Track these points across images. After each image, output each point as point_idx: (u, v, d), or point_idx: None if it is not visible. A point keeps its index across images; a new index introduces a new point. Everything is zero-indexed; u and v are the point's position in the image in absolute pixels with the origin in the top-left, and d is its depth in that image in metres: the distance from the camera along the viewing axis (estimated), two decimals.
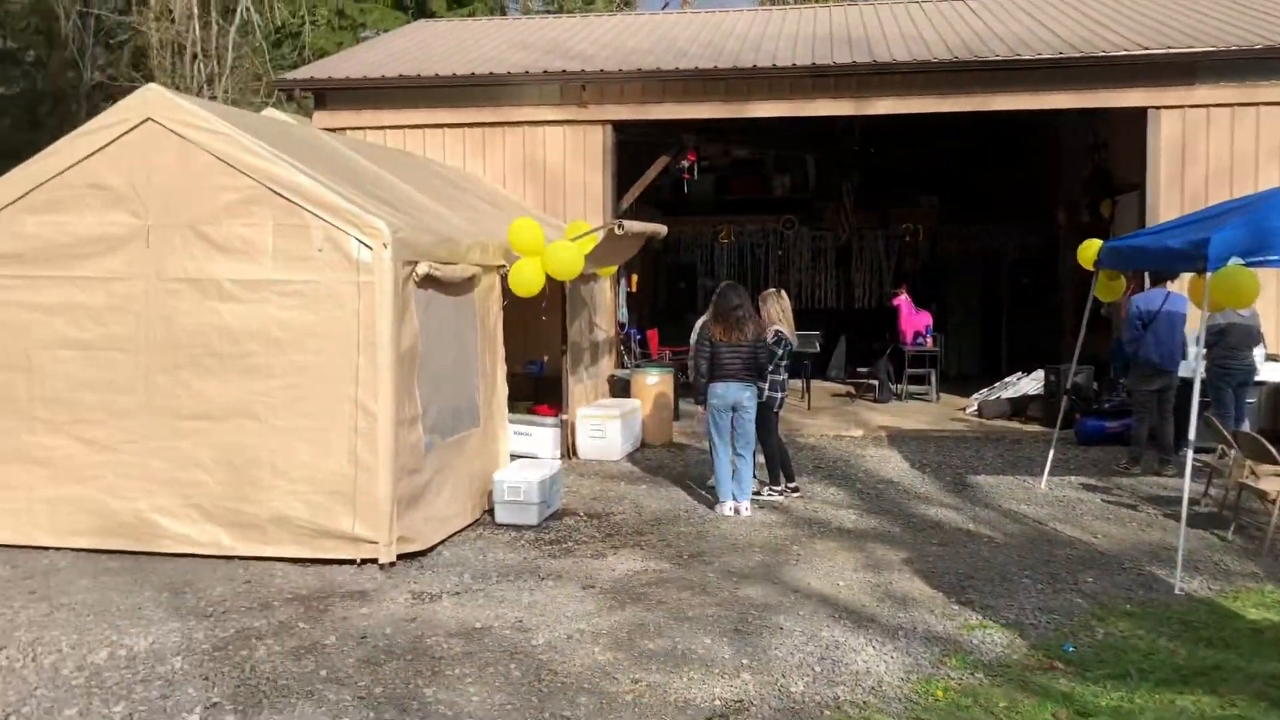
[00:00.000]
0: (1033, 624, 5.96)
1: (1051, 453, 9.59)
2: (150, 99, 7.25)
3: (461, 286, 8.08)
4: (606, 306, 12.67)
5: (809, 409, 13.97)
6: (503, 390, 8.88)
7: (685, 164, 13.53)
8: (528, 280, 8.60)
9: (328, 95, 13.40)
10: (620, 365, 13.28)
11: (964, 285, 18.85)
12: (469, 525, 8.09)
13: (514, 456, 9.82)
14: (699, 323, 8.92)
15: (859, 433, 12.51)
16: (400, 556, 7.03)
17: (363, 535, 6.93)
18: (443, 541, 7.55)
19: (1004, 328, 18.48)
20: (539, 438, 10.73)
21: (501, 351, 8.86)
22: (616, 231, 8.63)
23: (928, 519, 8.41)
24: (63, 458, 7.27)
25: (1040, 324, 17.47)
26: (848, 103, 12.65)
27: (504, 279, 8.84)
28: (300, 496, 6.99)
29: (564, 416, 10.82)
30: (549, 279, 8.87)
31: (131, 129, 7.19)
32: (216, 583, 6.62)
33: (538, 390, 12.02)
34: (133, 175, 7.17)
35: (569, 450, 10.83)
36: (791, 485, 9.09)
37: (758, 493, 8.93)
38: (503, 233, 9.03)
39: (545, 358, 11.85)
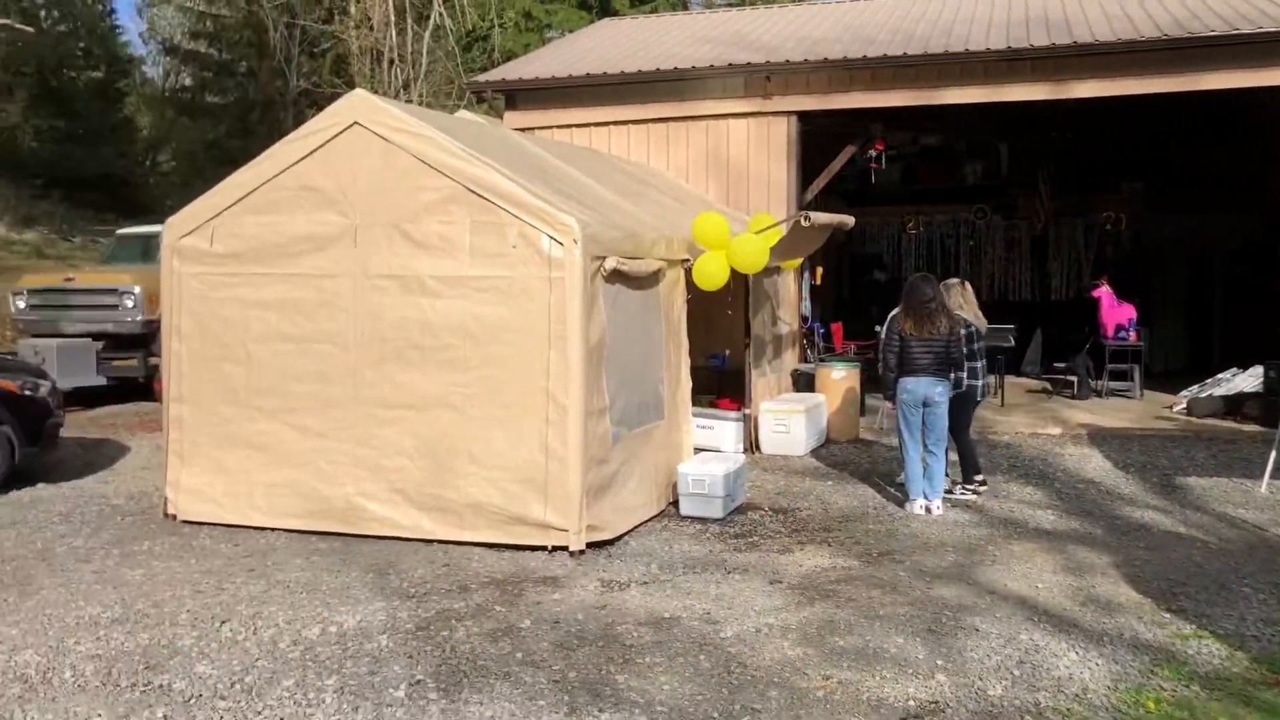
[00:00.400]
0: (1255, 636, 5.57)
1: (1274, 454, 8.94)
2: (356, 104, 7.63)
3: (647, 280, 8.16)
4: (790, 299, 12.57)
5: (1002, 405, 13.48)
6: (687, 383, 8.93)
7: (873, 153, 13.27)
8: (712, 274, 8.62)
9: (517, 95, 13.79)
10: (803, 359, 13.15)
11: (1170, 275, 17.78)
12: (654, 516, 8.18)
13: (696, 450, 9.88)
14: (890, 315, 8.73)
15: (1056, 430, 11.99)
16: (589, 545, 7.17)
17: (554, 523, 7.10)
18: (629, 531, 7.66)
19: (1216, 321, 17.34)
20: (721, 432, 10.74)
21: (686, 345, 8.91)
22: (803, 223, 8.53)
23: (1133, 521, 7.98)
24: (277, 444, 7.74)
25: (1259, 316, 16.31)
26: (1045, 87, 12.12)
27: (688, 273, 8.89)
28: (495, 484, 7.22)
29: (747, 411, 10.79)
30: (733, 272, 8.86)
31: (339, 133, 7.57)
32: (418, 565, 6.91)
33: (720, 384, 12.03)
34: (340, 177, 7.56)
35: (752, 445, 10.80)
36: (979, 478, 8.79)
37: (949, 491, 8.68)
38: (686, 227, 9.08)
39: (727, 351, 11.84)
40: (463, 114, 10.20)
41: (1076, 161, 17.54)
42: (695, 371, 12.21)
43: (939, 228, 19.04)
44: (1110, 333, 14.57)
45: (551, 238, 7.07)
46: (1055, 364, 15.41)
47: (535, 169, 8.38)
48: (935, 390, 8.29)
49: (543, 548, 7.17)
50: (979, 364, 8.78)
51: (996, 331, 14.18)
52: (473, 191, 7.23)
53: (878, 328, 9.15)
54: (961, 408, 8.54)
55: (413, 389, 7.40)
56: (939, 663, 5.23)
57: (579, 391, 7.04)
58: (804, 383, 12.30)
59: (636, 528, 7.81)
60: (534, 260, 7.12)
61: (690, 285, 8.94)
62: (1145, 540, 7.45)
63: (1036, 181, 17.28)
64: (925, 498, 8.30)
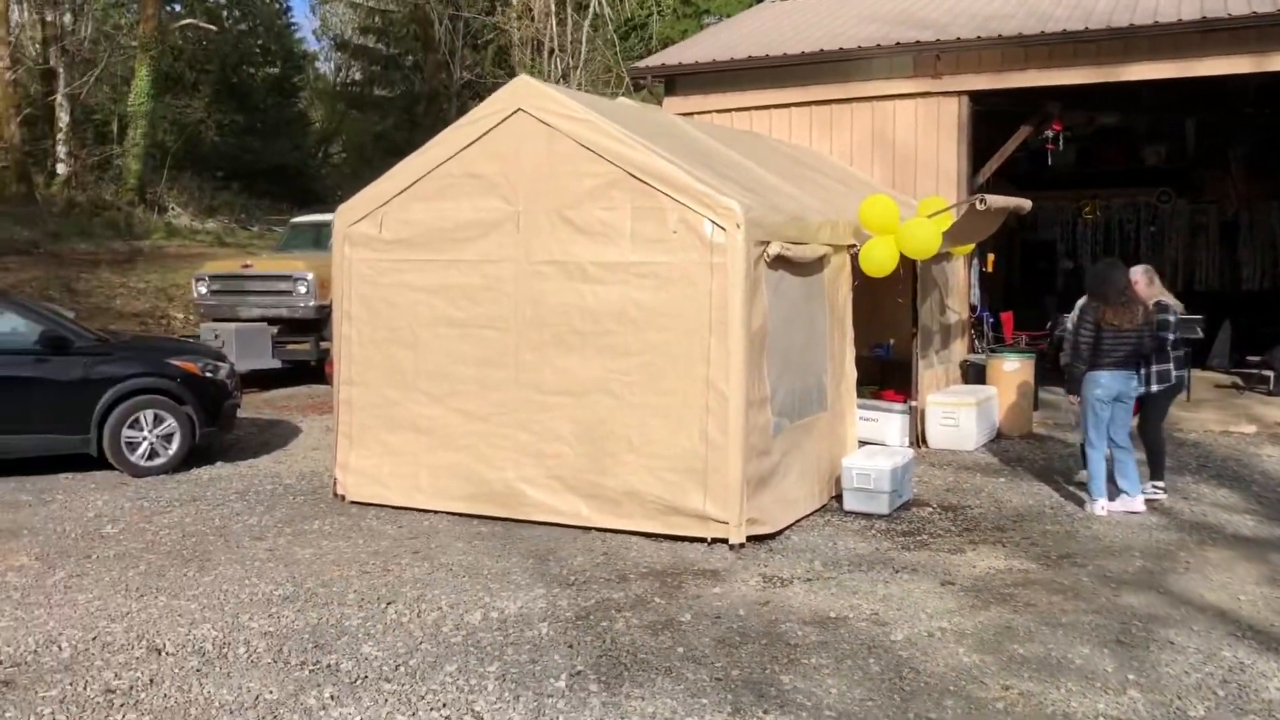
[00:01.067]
0: None
1: None
2: (520, 90, 7.61)
3: (811, 267, 7.90)
4: (959, 287, 12.06)
5: (1189, 400, 12.61)
6: (851, 374, 8.63)
7: (1050, 134, 12.57)
8: (880, 260, 8.29)
9: (677, 81, 13.64)
10: (972, 350, 12.61)
11: None
12: (816, 510, 7.93)
13: (861, 443, 9.57)
14: (1078, 304, 8.23)
15: (1251, 429, 11.15)
16: (749, 538, 6.99)
17: (713, 514, 6.94)
18: (791, 525, 7.44)
19: None
20: (886, 424, 10.38)
21: (850, 334, 8.61)
22: (979, 206, 8.12)
23: None
24: (441, 427, 7.83)
25: None
26: (1246, 59, 11.23)
27: (854, 258, 8.58)
28: (654, 472, 7.11)
29: (913, 403, 10.39)
30: (901, 258, 8.51)
31: (504, 120, 7.57)
32: (576, 552, 6.86)
33: (884, 374, 11.64)
34: (504, 163, 7.57)
35: (918, 438, 10.40)
36: (1161, 484, 8.19)
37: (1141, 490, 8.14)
38: (853, 211, 8.76)
39: (892, 341, 11.44)
40: (623, 101, 10.12)
41: (1272, 140, 16.30)
42: (859, 361, 11.90)
43: (1117, 213, 18.02)
44: None
45: (714, 222, 6.90)
46: (1247, 357, 14.36)
47: (696, 153, 8.22)
48: (1130, 385, 7.79)
49: (702, 539, 7.03)
50: (1182, 353, 8.23)
51: (1184, 322, 13.31)
52: (634, 176, 7.12)
53: (1066, 320, 8.54)
54: (1161, 402, 7.99)
55: (572, 374, 7.35)
56: (1130, 677, 4.85)
57: (740, 380, 6.86)
58: (974, 374, 11.79)
59: (798, 522, 7.58)
60: (695, 245, 6.96)
61: (856, 272, 8.64)
62: None
63: (1227, 162, 16.12)
64: (1107, 497, 7.79)
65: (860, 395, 11.09)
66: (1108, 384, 7.71)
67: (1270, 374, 13.50)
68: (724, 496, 6.90)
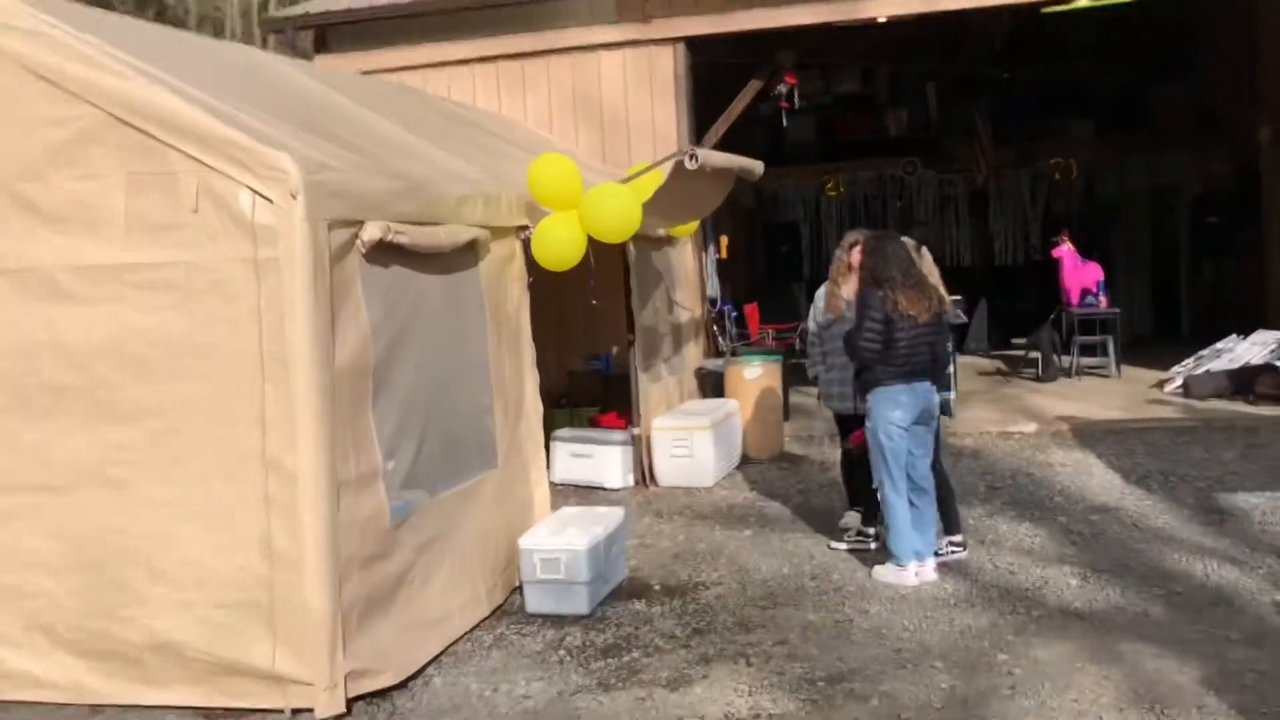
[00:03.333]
0: None
1: None
2: None
3: (454, 259, 5.32)
4: (689, 278, 9.80)
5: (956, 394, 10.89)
6: (535, 409, 6.11)
7: (783, 89, 10.51)
8: (559, 245, 5.81)
9: (329, 34, 10.78)
10: (716, 353, 10.41)
11: (1129, 229, 15.48)
12: (487, 619, 5.37)
13: (573, 488, 7.14)
14: (819, 294, 6.04)
15: (1031, 427, 9.44)
16: (359, 698, 4.35)
17: (288, 673, 4.24)
18: (435, 659, 4.83)
19: (1183, 280, 15.08)
20: (603, 460, 7.99)
21: (530, 353, 6.10)
22: (688, 165, 5.77)
23: (1195, 580, 5.38)
24: None
25: (1231, 270, 14.08)
26: None
27: (529, 245, 6.07)
28: (192, 610, 4.33)
29: (634, 430, 8.02)
30: (594, 244, 6.05)
31: None
32: None
33: (607, 392, 9.26)
34: None
35: (644, 475, 8.04)
36: (956, 541, 6.11)
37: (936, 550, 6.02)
38: (524, 179, 6.24)
39: (614, 349, 9.09)
40: (170, 30, 7.20)
41: (1018, 101, 15.06)
42: (577, 379, 9.46)
43: (862, 187, 16.48)
44: (1075, 299, 12.10)
45: (255, 192, 4.18)
46: (1011, 339, 12.97)
47: (292, 105, 5.48)
48: (933, 400, 5.63)
49: (278, 711, 4.31)
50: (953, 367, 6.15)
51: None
52: (124, 122, 4.29)
53: (814, 315, 6.19)
54: (934, 430, 5.86)
55: (48, 456, 4.44)
56: None
57: (317, 449, 4.17)
58: (712, 385, 9.56)
59: (453, 646, 4.99)
60: (228, 231, 4.22)
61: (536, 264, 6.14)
62: (1230, 620, 4.83)
63: (975, 126, 14.74)
64: (918, 558, 5.60)
65: (575, 423, 8.69)
66: (909, 401, 5.51)
67: (1038, 357, 12.04)
68: (303, 643, 4.20)
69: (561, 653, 4.93)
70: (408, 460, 4.81)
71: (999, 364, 13.05)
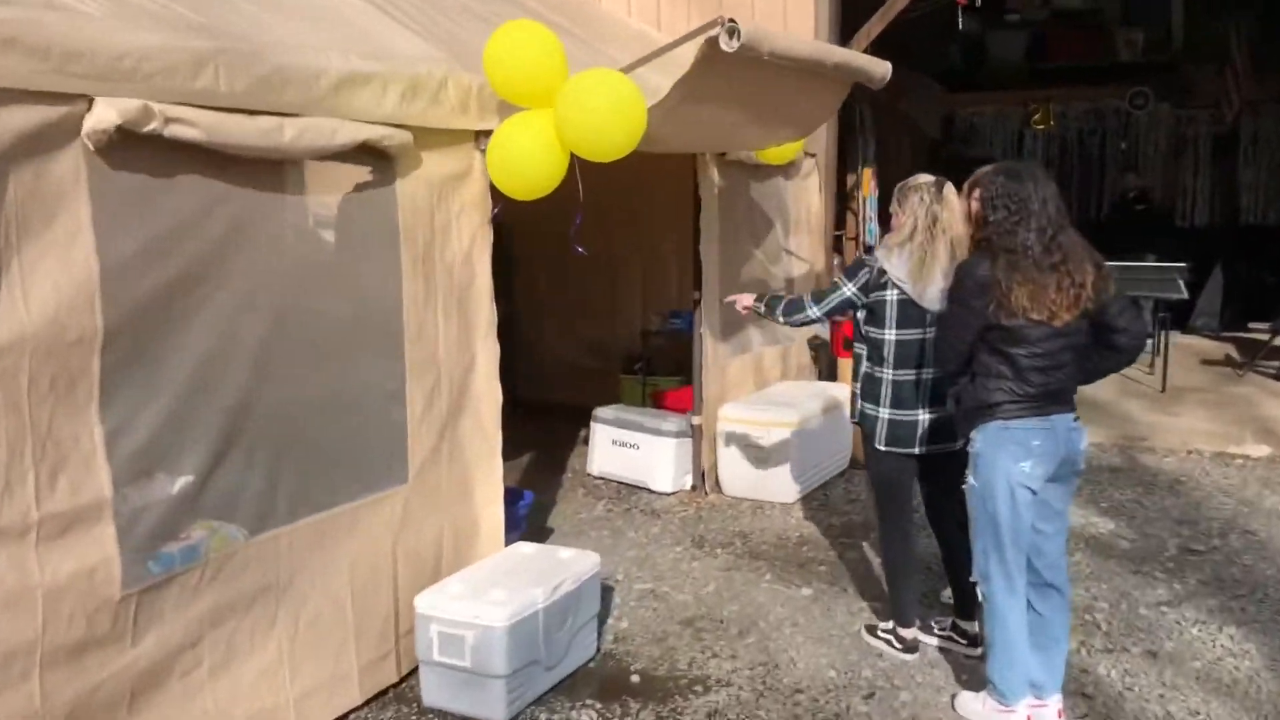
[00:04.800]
0: None
1: None
2: None
3: (329, 170, 3.49)
4: (810, 219, 7.62)
5: (1164, 390, 8.36)
6: (489, 395, 4.24)
7: None
8: (523, 160, 3.85)
9: None
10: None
11: None
12: (361, 706, 3.64)
13: (614, 486, 5.36)
14: (878, 253, 3.93)
15: (1263, 450, 6.90)
16: None
17: None
18: None
19: None
20: (651, 454, 6.10)
21: (489, 316, 4.22)
22: (724, 45, 3.69)
23: None
24: None
25: None
26: None
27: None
28: None
29: (694, 419, 6.06)
30: (621, 165, 4.04)
31: None
32: None
33: (679, 361, 7.31)
34: None
35: (703, 478, 6.10)
36: (961, 632, 3.95)
37: (959, 639, 3.92)
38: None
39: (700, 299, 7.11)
40: None
41: None
42: (653, 341, 7.59)
43: (1076, 122, 13.60)
44: None
45: None
46: (1251, 324, 10.15)
47: None
48: (1079, 441, 3.46)
49: None
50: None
51: (1158, 272, 9.05)
52: None
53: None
54: (955, 474, 3.65)
55: None
56: None
57: None
58: (829, 363, 7.46)
59: None
60: None
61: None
62: None
63: (1230, 50, 11.65)
64: (1035, 694, 3.49)
65: (645, 399, 6.86)
66: (1044, 447, 3.35)
67: None
68: None
69: None
70: (192, 476, 3.07)
71: (1230, 351, 10.23)
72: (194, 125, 2.92)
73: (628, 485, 6.17)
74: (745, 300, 4.53)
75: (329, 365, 3.55)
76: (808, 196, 7.53)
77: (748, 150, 6.02)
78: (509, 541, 4.45)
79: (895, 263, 3.83)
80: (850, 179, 9.69)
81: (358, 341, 3.68)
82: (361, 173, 3.61)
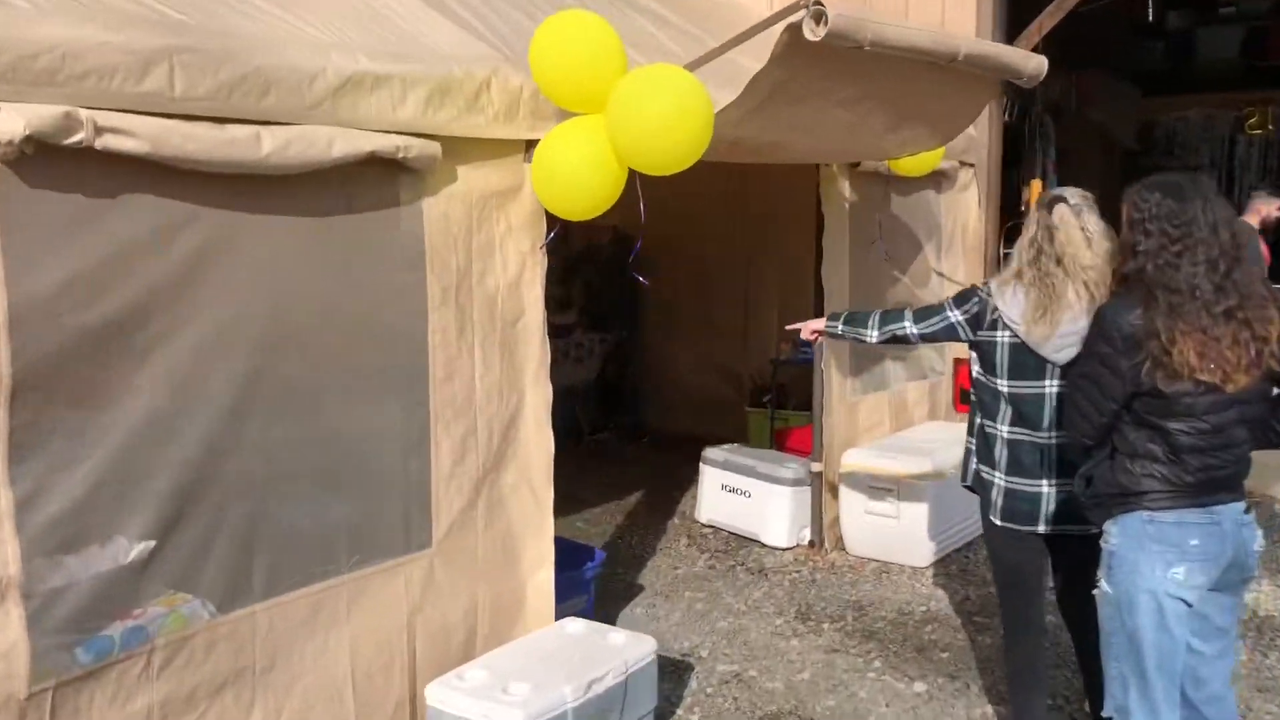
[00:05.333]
0: None
1: None
2: None
3: (327, 185, 2.99)
4: (967, 237, 6.73)
5: None
6: (541, 445, 3.66)
7: None
8: (571, 174, 3.27)
9: None
10: None
11: None
12: None
13: (723, 536, 4.73)
14: (991, 285, 3.15)
15: None
16: None
17: None
18: None
19: None
20: (764, 503, 5.40)
21: (542, 355, 3.65)
22: (808, 33, 3.01)
23: None
24: None
25: None
26: None
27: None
28: None
29: (814, 465, 5.32)
30: (687, 177, 3.40)
31: None
32: None
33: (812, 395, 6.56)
34: None
35: (823, 533, 5.35)
36: None
37: None
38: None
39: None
40: None
41: None
42: (784, 372, 6.92)
43: None
44: None
45: None
46: None
47: None
48: (1251, 539, 2.61)
49: None
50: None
51: None
52: None
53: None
54: (1096, 560, 2.76)
55: None
56: None
57: None
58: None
59: None
60: None
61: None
62: None
63: None
64: None
65: (757, 434, 6.19)
66: (1206, 547, 2.53)
67: None
68: None
69: None
70: (143, 544, 2.62)
71: None
72: (134, 136, 2.47)
73: (738, 536, 5.49)
74: (814, 325, 3.81)
75: (327, 412, 3.06)
76: (964, 211, 6.65)
77: (874, 160, 5.25)
78: (575, 609, 3.89)
79: (1009, 300, 3.05)
80: (1024, 192, 8.69)
81: (367, 383, 3.17)
82: (375, 190, 3.10)
